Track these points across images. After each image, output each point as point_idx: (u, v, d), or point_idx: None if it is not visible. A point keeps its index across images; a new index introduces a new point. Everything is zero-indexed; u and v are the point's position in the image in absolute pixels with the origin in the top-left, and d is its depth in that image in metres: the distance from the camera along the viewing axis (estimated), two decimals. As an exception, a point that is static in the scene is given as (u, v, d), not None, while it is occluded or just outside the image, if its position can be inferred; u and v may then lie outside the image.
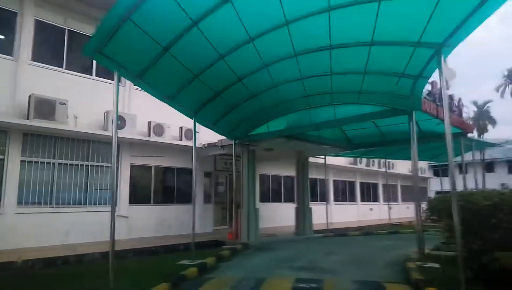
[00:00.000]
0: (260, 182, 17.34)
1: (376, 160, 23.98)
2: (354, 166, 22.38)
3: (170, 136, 13.12)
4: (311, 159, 17.10)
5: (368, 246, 11.98)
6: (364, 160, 22.99)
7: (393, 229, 16.82)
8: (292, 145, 13.46)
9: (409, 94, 8.24)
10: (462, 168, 11.70)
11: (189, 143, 13.53)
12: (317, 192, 20.60)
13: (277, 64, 7.71)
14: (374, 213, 24.43)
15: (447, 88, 10.15)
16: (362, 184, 24.06)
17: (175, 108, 9.12)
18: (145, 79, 7.35)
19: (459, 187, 26.30)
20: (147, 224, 12.84)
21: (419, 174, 28.63)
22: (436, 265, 7.84)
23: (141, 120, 12.49)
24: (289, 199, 18.60)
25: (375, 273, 7.67)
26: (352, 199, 23.20)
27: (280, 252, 10.56)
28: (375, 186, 25.49)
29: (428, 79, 7.86)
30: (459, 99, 14.59)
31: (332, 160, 19.10)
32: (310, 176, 16.50)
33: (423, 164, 30.81)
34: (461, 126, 12.85)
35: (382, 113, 9.54)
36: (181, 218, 13.84)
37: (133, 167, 12.84)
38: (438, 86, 10.87)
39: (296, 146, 13.70)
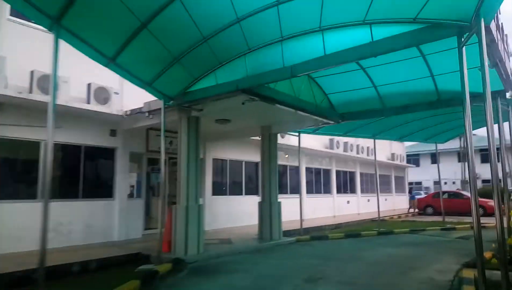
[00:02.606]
0: (213, 169, 13.11)
1: (354, 144, 20.44)
2: (331, 151, 18.67)
3: (69, 97, 8.55)
4: (280, 141, 13.09)
5: (366, 261, 8.04)
6: (342, 144, 19.37)
7: (383, 229, 13.21)
8: (254, 112, 9.32)
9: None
10: (501, 147, 8.10)
11: (104, 109, 9.04)
12: (287, 183, 16.70)
13: None
14: (352, 206, 20.98)
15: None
16: (338, 173, 20.47)
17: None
18: None
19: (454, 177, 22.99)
20: (30, 229, 8.27)
21: (395, 162, 25.61)
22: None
23: (15, 68, 7.86)
24: (252, 191, 14.54)
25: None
26: (327, 190, 19.57)
27: (231, 279, 6.46)
28: (352, 175, 22.03)
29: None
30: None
31: (305, 142, 15.22)
32: (279, 162, 12.53)
33: (400, 150, 27.84)
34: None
35: (414, 36, 5.32)
36: (91, 220, 9.38)
37: (3, 143, 8.18)
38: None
39: (260, 114, 9.58)
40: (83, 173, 9.43)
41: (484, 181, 39.43)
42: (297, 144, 13.16)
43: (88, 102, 8.91)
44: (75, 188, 9.26)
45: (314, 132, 12.35)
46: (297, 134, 12.51)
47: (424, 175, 42.94)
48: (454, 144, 33.63)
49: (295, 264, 7.51)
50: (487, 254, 6.77)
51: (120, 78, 9.34)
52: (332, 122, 10.17)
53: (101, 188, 9.87)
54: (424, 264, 7.41)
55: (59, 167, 9.06)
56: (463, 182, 34.89)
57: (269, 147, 11.09)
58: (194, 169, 8.44)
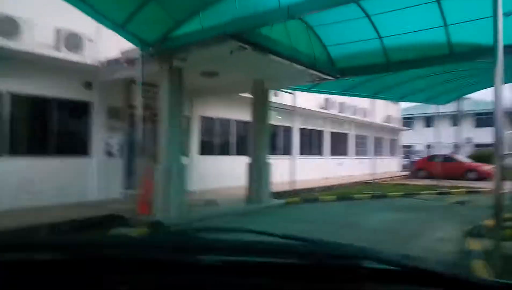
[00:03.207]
0: (201, 127, 12.31)
1: (350, 105, 19.65)
2: (326, 112, 17.89)
3: (36, 43, 7.47)
4: (273, 99, 12.22)
5: (361, 227, 7.53)
6: (337, 104, 18.56)
7: (377, 192, 12.77)
8: (245, 64, 8.38)
9: None
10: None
11: (75, 58, 8.01)
12: (280, 143, 16.02)
13: None
14: (344, 168, 20.55)
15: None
16: (332, 134, 19.82)
17: None
18: None
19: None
20: (-4, 189, 7.55)
21: (391, 124, 25.02)
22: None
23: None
24: (242, 152, 13.85)
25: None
26: (319, 151, 19.01)
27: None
28: (345, 137, 21.42)
29: None
30: None
31: (299, 101, 14.35)
32: (271, 122, 11.74)
33: (396, 113, 27.20)
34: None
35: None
36: (65, 179, 8.66)
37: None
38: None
39: (251, 66, 8.63)
40: (55, 128, 8.55)
41: (478, 145, 39.52)
42: (290, 104, 12.35)
43: (58, 50, 7.85)
44: (46, 144, 8.43)
45: (310, 89, 11.47)
46: (291, 91, 11.63)
47: (417, 138, 42.78)
48: (448, 107, 33.12)
49: (284, 231, 6.94)
50: (489, 222, 6.29)
51: (97, 24, 8.30)
52: (331, 78, 9.29)
53: (75, 145, 9.06)
54: (423, 231, 6.93)
55: (26, 122, 8.17)
56: (455, 146, 34.81)
57: (261, 105, 10.25)
58: (176, 126, 7.64)
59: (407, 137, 37.19)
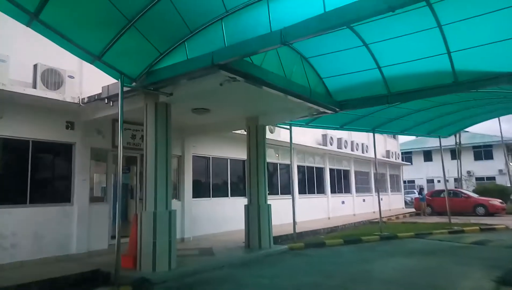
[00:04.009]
0: (194, 167, 11.57)
1: (348, 140, 19.10)
2: (324, 148, 17.29)
3: (8, 80, 6.91)
4: (269, 136, 11.65)
5: (377, 278, 6.50)
6: (335, 140, 18.01)
7: (385, 232, 11.83)
8: (237, 99, 7.85)
9: None
10: None
11: (54, 95, 7.45)
12: (277, 182, 15.25)
13: None
14: (347, 207, 19.63)
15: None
16: (332, 171, 19.10)
17: None
18: None
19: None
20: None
21: (391, 159, 24.40)
22: None
23: None
24: (239, 193, 13.04)
25: None
26: (321, 190, 18.19)
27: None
28: (347, 173, 20.68)
29: None
30: None
31: (296, 138, 13.75)
32: (268, 160, 11.06)
33: (394, 148, 26.67)
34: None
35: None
36: (42, 230, 7.78)
37: None
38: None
39: (244, 100, 8.09)
40: (31, 173, 7.80)
41: (477, 178, 38.77)
42: (287, 140, 11.73)
43: (34, 87, 7.30)
44: (20, 191, 7.62)
45: (307, 124, 10.90)
46: (287, 126, 11.05)
47: (417, 173, 42.01)
48: (447, 141, 32.68)
49: (291, 286, 6.00)
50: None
51: (79, 61, 7.84)
52: (329, 111, 8.74)
53: (55, 191, 8.27)
54: (447, 281, 6.00)
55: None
56: (457, 180, 34.00)
57: (256, 142, 9.61)
58: (163, 168, 6.90)
59: (407, 172, 36.47)
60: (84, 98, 7.80)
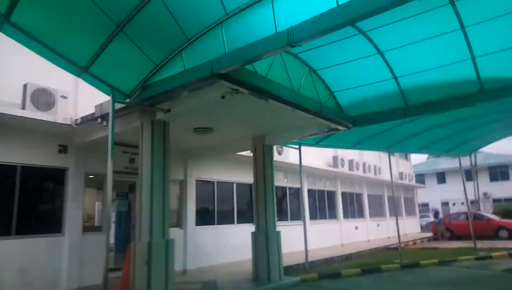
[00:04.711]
0: (197, 193, 10.84)
1: (359, 162, 18.28)
2: (335, 170, 16.47)
3: (-4, 100, 6.42)
4: (277, 158, 10.96)
5: None
6: (347, 162, 17.21)
7: (405, 259, 10.81)
8: (241, 115, 7.22)
9: None
10: None
11: (44, 116, 6.92)
12: (287, 208, 14.40)
13: None
14: (361, 232, 18.55)
15: None
16: (344, 195, 18.18)
17: None
18: None
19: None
20: None
21: (404, 181, 23.40)
22: None
23: None
24: (246, 219, 12.21)
25: None
26: (331, 215, 17.23)
27: None
28: (359, 197, 19.72)
29: None
30: None
31: (305, 160, 13.04)
32: (276, 183, 10.30)
33: (408, 169, 25.68)
34: None
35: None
36: (29, 264, 7.04)
37: None
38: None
39: (249, 117, 7.45)
40: (18, 201, 7.16)
41: (494, 200, 37.23)
42: (296, 162, 10.99)
43: (23, 108, 6.78)
44: (5, 222, 6.96)
45: (317, 144, 10.20)
46: (296, 146, 10.36)
47: (431, 196, 40.56)
48: (462, 161, 31.55)
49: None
50: None
51: (74, 79, 7.37)
52: (342, 127, 8.06)
53: (44, 221, 7.59)
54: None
55: (-18, 195, 6.82)
56: (474, 202, 32.54)
57: (263, 163, 8.91)
58: (160, 192, 6.21)
59: (420, 195, 35.18)
60: (77, 119, 7.25)
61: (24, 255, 7.02)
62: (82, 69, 5.03)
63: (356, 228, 18.37)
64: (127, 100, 5.90)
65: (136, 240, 6.11)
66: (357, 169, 17.90)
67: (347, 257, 12.71)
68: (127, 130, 6.91)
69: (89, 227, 8.82)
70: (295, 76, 6.91)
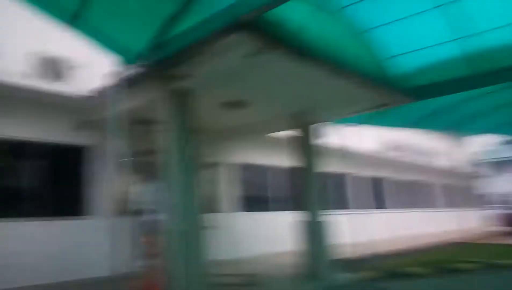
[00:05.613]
0: (230, 176, 10.00)
1: (413, 145, 16.48)
2: (385, 154, 14.90)
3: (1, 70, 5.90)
4: (320, 140, 9.76)
5: None
6: (396, 145, 15.53)
7: (481, 257, 9.09)
8: (277, 83, 6.11)
9: None
10: None
11: (56, 87, 6.37)
12: (331, 195, 13.17)
13: None
14: (414, 223, 16.83)
15: None
16: (397, 182, 16.52)
17: None
18: None
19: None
20: None
21: (464, 169, 21.02)
22: None
23: None
24: (282, 207, 11.18)
25: None
26: (381, 204, 15.73)
27: None
28: (412, 185, 17.93)
29: None
30: None
31: (354, 142, 11.68)
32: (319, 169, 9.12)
33: (467, 156, 23.08)
34: None
35: None
36: (48, 248, 6.62)
37: None
38: None
39: (286, 84, 6.28)
40: (43, 182, 6.73)
41: None
42: (341, 145, 9.74)
43: (33, 78, 6.24)
44: (19, 203, 6.55)
45: (367, 122, 8.87)
46: (343, 124, 9.09)
47: (493, 186, 36.74)
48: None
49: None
50: None
51: (90, 50, 6.72)
52: (399, 100, 6.72)
53: (69, 203, 7.13)
54: None
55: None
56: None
57: (305, 145, 7.83)
58: (187, 173, 5.38)
59: (484, 185, 31.91)
60: (93, 90, 6.60)
61: (49, 238, 6.61)
62: (70, 16, 4.13)
63: (411, 219, 16.69)
64: (137, 60, 5.04)
65: (164, 228, 5.36)
66: (411, 154, 16.15)
67: (407, 253, 11.17)
68: (149, 104, 6.13)
69: (121, 211, 8.31)
70: (339, 37, 5.73)
